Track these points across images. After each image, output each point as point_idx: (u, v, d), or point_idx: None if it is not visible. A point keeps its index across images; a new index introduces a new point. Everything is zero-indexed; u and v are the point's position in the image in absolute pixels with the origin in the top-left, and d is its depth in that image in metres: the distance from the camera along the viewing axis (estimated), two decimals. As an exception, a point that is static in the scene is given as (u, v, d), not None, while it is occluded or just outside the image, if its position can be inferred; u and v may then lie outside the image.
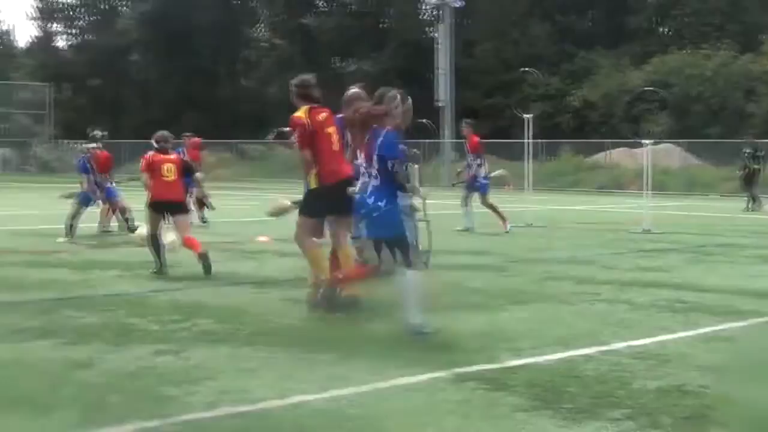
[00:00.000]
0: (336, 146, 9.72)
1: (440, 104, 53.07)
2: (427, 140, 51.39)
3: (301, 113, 9.68)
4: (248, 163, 60.04)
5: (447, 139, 51.67)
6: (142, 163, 12.95)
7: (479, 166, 19.39)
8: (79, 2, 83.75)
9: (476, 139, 19.54)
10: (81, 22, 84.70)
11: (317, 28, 70.11)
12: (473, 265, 13.68)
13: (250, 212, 25.53)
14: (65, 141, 67.35)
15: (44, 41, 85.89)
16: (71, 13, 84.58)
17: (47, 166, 64.69)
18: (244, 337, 8.07)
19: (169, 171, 12.74)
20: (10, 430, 5.45)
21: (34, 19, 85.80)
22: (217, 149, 60.43)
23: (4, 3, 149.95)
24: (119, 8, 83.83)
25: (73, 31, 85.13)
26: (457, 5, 54.68)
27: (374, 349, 7.62)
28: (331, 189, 9.48)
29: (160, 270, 12.34)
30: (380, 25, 72.30)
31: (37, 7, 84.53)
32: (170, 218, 12.91)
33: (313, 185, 9.58)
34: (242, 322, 8.79)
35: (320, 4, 75.47)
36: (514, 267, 13.54)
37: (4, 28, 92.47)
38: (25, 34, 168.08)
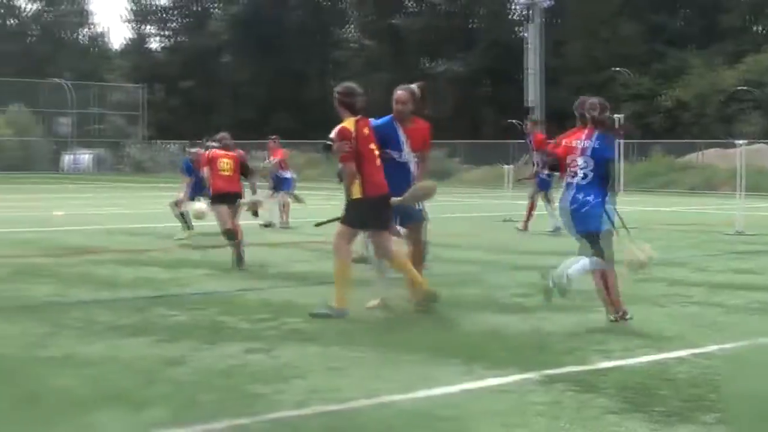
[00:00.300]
0: (378, 160, 9.58)
1: (529, 104, 52.81)
2: (516, 140, 51.24)
3: (349, 125, 9.50)
4: (337, 163, 60.23)
5: (536, 139, 51.39)
6: (202, 158, 14.16)
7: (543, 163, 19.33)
8: (172, 5, 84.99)
9: (541, 136, 19.50)
10: (174, 24, 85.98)
11: (406, 29, 70.20)
12: (562, 266, 13.56)
13: (334, 212, 25.64)
14: (158, 141, 68.29)
15: (138, 43, 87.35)
16: (164, 15, 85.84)
17: (140, 166, 65.69)
18: (333, 336, 8.10)
19: (227, 166, 13.70)
20: (105, 425, 5.53)
21: (128, 21, 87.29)
22: (306, 149, 60.75)
23: (99, 6, 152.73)
24: (211, 10, 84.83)
25: (166, 33, 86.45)
26: (547, 5, 54.32)
27: (463, 349, 7.60)
28: (373, 202, 9.42)
29: (240, 262, 12.92)
30: (469, 25, 72.18)
31: (132, 9, 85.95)
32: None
33: (357, 195, 9.43)
34: (331, 321, 8.82)
35: (410, 4, 75.57)
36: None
37: (99, 30, 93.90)
38: (119, 36, 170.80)
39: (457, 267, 13.31)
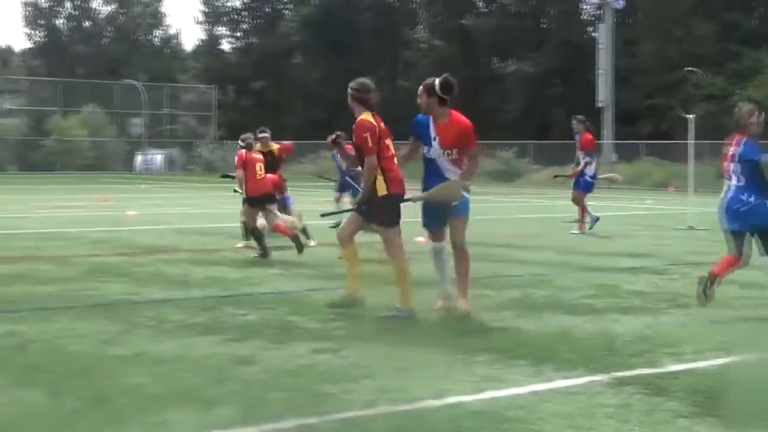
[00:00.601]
0: (394, 157, 9.59)
1: (601, 105, 52.38)
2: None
3: (368, 116, 9.47)
4: (406, 164, 60.23)
5: (607, 140, 50.95)
6: (237, 159, 14.74)
7: (588, 164, 19.12)
8: (243, 6, 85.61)
9: (588, 136, 19.27)
10: (245, 25, 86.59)
11: (476, 29, 70.02)
12: (633, 267, 13.47)
13: (409, 212, 25.65)
14: (229, 142, 68.80)
15: (210, 44, 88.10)
16: (236, 16, 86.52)
17: (211, 166, 66.23)
18: (401, 337, 8.11)
19: (261, 169, 14.55)
20: (176, 423, 5.60)
21: (201, 23, 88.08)
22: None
23: (172, 8, 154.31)
24: (282, 11, 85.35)
25: (238, 34, 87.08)
26: (619, 6, 53.85)
27: (531, 350, 7.58)
28: (397, 198, 9.47)
29: (264, 255, 13.93)
30: (540, 26, 71.80)
31: (204, 11, 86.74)
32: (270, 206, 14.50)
33: (382, 191, 9.39)
34: (399, 321, 8.83)
35: (480, 4, 75.35)
36: (675, 270, 13.28)
37: (172, 32, 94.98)
38: (192, 37, 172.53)
39: (526, 268, 13.26)
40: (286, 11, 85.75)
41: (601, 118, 51.32)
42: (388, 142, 9.52)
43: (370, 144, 9.28)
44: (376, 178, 9.34)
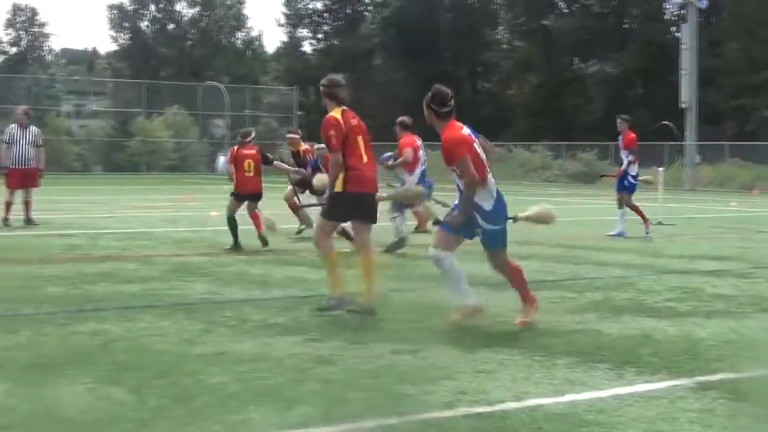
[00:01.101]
0: (365, 156, 9.51)
1: (684, 106, 51.70)
2: (669, 142, 50.29)
3: (336, 113, 9.51)
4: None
5: (691, 141, 50.31)
6: (230, 155, 16.11)
7: (631, 163, 18.85)
8: (325, 8, 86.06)
9: (632, 135, 19.00)
10: (326, 27, 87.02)
11: (558, 30, 69.62)
12: (717, 270, 13.30)
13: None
14: (311, 143, 69.19)
15: (291, 46, 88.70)
16: (317, 18, 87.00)
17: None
18: (481, 338, 8.11)
19: (249, 166, 15.61)
20: (257, 422, 5.65)
21: (282, 25, 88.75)
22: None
23: (254, 10, 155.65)
24: (363, 13, 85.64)
25: (319, 36, 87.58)
26: (703, 6, 53.11)
27: (612, 353, 7.52)
28: (355, 198, 9.39)
29: (235, 246, 15.22)
30: (622, 26, 71.14)
31: (286, 13, 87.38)
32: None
33: (338, 189, 9.39)
34: (479, 322, 8.83)
35: (561, 5, 74.91)
36: (760, 273, 13.08)
37: (254, 34, 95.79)
38: (273, 39, 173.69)
39: (608, 270, 13.16)
40: (367, 13, 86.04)
41: (685, 119, 50.63)
42: (359, 139, 9.51)
43: (335, 141, 9.38)
44: (338, 175, 9.39)
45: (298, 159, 17.38)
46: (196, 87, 75.61)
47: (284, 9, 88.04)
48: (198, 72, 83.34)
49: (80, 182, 47.83)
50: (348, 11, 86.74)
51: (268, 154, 16.26)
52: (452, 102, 8.83)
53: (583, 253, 15.18)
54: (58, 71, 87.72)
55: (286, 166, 17.22)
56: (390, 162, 16.12)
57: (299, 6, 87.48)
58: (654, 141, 48.86)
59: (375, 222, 9.72)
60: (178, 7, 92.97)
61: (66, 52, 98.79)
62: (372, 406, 5.96)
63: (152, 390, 6.28)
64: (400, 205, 14.62)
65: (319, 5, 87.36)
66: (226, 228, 15.53)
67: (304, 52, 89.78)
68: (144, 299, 10.16)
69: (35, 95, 67.46)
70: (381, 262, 13.20)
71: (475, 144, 8.81)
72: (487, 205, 8.63)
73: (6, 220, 19.04)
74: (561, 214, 17.78)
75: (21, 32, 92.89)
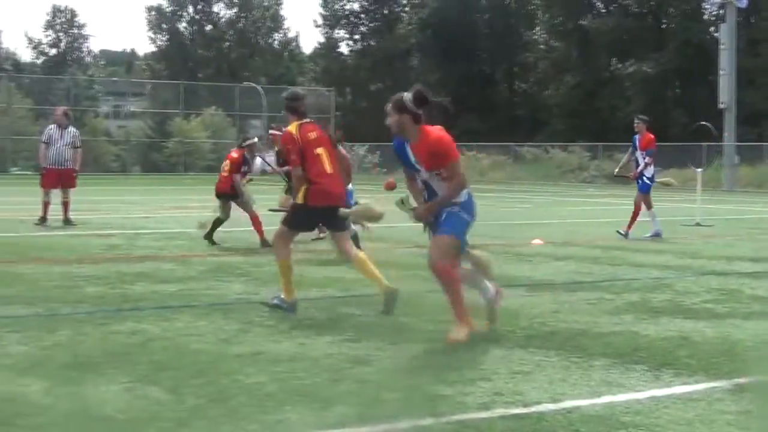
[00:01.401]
0: (328, 167, 9.57)
1: (722, 106, 51.33)
2: (708, 143, 49.88)
3: (292, 128, 9.74)
4: (523, 166, 60.02)
5: (729, 142, 49.95)
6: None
7: (647, 164, 18.65)
8: (362, 9, 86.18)
9: (651, 136, 18.81)
10: (363, 28, 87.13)
11: (595, 30, 69.29)
12: (756, 272, 13.20)
13: (523, 215, 25.55)
14: (346, 143, 69.32)
15: (328, 47, 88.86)
16: (354, 19, 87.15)
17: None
18: (518, 340, 8.09)
19: (225, 167, 16.69)
20: (294, 421, 5.66)
21: (319, 26, 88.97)
22: (492, 152, 60.73)
23: (291, 11, 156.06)
24: (400, 14, 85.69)
25: (356, 37, 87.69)
26: (742, 5, 52.68)
27: (650, 355, 7.48)
28: (316, 211, 9.51)
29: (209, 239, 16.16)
30: (660, 26, 70.75)
31: (323, 14, 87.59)
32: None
33: (300, 201, 9.53)
34: (516, 324, 8.81)
35: (599, 5, 74.58)
36: (800, 275, 12.98)
37: (291, 35, 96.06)
38: (310, 40, 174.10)
39: (645, 271, 13.09)
40: (404, 14, 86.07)
41: (723, 120, 50.25)
42: (320, 151, 9.60)
43: (293, 156, 9.63)
44: (300, 187, 9.54)
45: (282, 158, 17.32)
46: (234, 88, 75.85)
47: (321, 10, 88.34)
48: (235, 73, 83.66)
49: (118, 183, 48.15)
50: (385, 12, 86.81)
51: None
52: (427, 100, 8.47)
53: (620, 255, 15.11)
54: (96, 72, 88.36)
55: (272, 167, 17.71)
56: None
57: (336, 7, 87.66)
58: (692, 142, 48.59)
59: (344, 229, 9.92)
60: (215, 8, 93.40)
61: (105, 54, 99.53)
62: (408, 406, 5.97)
63: (189, 389, 6.31)
64: None
65: (356, 6, 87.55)
66: (264, 227, 15.63)
67: (341, 53, 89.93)
68: (181, 299, 10.22)
69: (74, 96, 67.94)
70: (413, 263, 13.20)
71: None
72: (462, 197, 8.38)
73: (44, 219, 19.20)
74: (598, 215, 17.77)
75: (60, 34, 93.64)
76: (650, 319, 9.25)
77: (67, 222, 19.38)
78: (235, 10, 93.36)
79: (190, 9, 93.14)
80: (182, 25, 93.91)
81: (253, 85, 76.34)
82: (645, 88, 64.40)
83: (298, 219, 9.68)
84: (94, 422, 5.67)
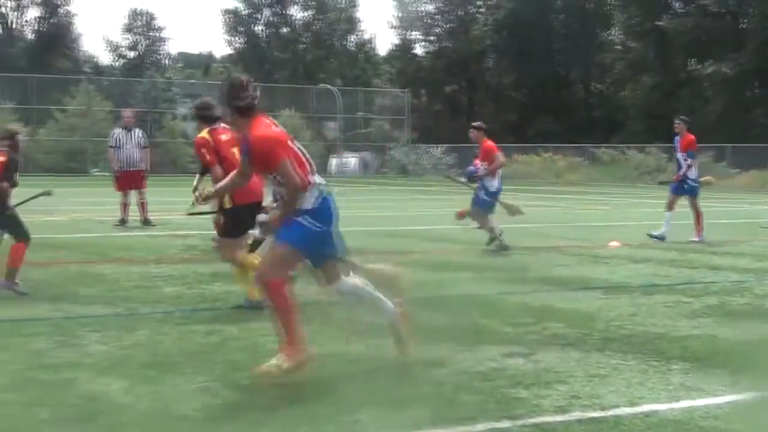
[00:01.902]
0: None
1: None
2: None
3: (203, 134, 10.01)
4: (599, 168, 59.52)
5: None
6: None
7: (690, 166, 18.08)
8: (437, 10, 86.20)
9: (691, 137, 18.18)
10: (438, 29, 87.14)
11: (673, 30, 68.52)
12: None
13: (600, 217, 25.34)
14: (422, 145, 69.28)
15: (403, 49, 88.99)
16: (430, 21, 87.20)
17: (404, 169, 66.81)
18: (595, 343, 8.03)
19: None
20: (369, 422, 5.67)
21: (394, 27, 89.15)
22: (568, 153, 60.34)
23: (366, 13, 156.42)
24: (475, 15, 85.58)
25: (431, 38, 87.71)
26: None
27: (729, 359, 7.39)
28: (244, 209, 9.55)
29: None
30: (740, 26, 69.77)
31: (399, 16, 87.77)
32: None
33: (228, 205, 9.65)
34: (593, 327, 8.75)
35: (676, 5, 73.73)
36: None
37: (366, 37, 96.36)
38: (385, 42, 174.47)
39: (724, 274, 12.92)
40: (479, 15, 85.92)
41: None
42: (235, 150, 9.61)
43: (208, 158, 9.87)
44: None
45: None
46: (309, 90, 76.28)
47: (396, 11, 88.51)
48: (311, 75, 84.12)
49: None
50: (460, 13, 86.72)
51: None
52: (254, 92, 7.07)
53: (698, 257, 14.93)
54: (174, 75, 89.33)
55: None
56: (481, 172, 15.90)
57: (411, 9, 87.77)
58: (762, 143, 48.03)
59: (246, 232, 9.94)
60: (291, 11, 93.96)
61: (182, 56, 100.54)
62: (483, 409, 5.95)
63: (265, 390, 6.36)
64: None
65: (430, 7, 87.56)
66: (341, 229, 15.65)
67: (416, 55, 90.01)
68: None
69: (153, 99, 68.75)
70: (491, 264, 13.18)
71: (290, 141, 7.19)
72: (308, 204, 7.00)
73: (123, 221, 19.47)
74: (676, 218, 17.59)
75: (139, 37, 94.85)
76: (729, 322, 9.13)
77: (145, 222, 19.63)
78: (310, 12, 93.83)
79: (266, 12, 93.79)
80: (258, 28, 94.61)
81: (329, 87, 76.70)
82: (724, 89, 63.56)
83: (235, 223, 9.78)
84: (172, 421, 5.74)
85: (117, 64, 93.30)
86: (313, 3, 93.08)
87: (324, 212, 7.04)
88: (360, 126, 78.82)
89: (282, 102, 72.18)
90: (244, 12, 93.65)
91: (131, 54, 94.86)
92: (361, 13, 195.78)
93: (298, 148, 7.21)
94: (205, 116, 10.26)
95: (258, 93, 7.08)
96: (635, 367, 7.13)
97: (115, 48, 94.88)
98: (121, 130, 20.27)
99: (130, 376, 6.69)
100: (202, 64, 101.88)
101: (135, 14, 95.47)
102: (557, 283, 11.82)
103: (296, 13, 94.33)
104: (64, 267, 12.80)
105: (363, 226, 20.42)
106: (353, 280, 7.30)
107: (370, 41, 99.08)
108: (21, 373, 6.52)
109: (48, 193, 11.51)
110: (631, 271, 13.14)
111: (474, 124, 16.38)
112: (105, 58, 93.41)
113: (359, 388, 6.45)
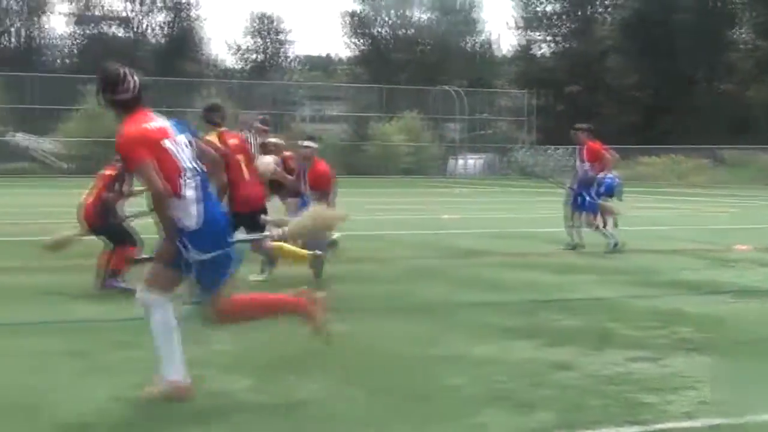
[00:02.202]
0: (246, 174, 10.04)
1: None
2: None
3: (212, 136, 10.05)
4: (725, 169, 58.32)
5: None
6: None
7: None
8: (561, 10, 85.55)
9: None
10: (561, 29, 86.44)
11: (803, 28, 66.83)
12: None
13: (727, 219, 24.86)
14: (545, 147, 68.82)
15: (525, 50, 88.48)
16: (552, 21, 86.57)
17: (524, 170, 66.48)
18: (724, 348, 7.88)
19: None
20: (494, 424, 5.67)
21: (517, 28, 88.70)
22: (693, 155, 59.23)
23: (488, 14, 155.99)
24: (597, 15, 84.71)
25: (555, 38, 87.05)
26: None
27: None
28: (243, 217, 9.72)
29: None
30: None
31: (522, 16, 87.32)
32: None
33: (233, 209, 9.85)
34: (722, 331, 8.60)
35: (806, 3, 71.86)
36: None
37: (487, 38, 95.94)
38: (506, 43, 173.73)
39: None
40: (602, 15, 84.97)
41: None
42: (240, 157, 10.04)
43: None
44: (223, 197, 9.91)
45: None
46: (430, 91, 76.41)
47: (518, 12, 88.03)
48: (432, 76, 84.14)
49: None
50: (583, 13, 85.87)
51: None
52: (131, 84, 6.14)
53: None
54: (298, 77, 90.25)
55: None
56: (597, 173, 15.81)
57: (534, 9, 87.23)
58: None
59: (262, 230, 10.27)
60: (414, 12, 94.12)
61: (305, 59, 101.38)
62: (609, 413, 5.89)
63: (389, 390, 6.39)
64: None
65: (552, 8, 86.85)
66: (461, 231, 15.69)
67: (539, 55, 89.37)
68: (381, 301, 10.36)
69: (279, 101, 69.66)
70: (617, 267, 13.05)
71: (168, 141, 6.09)
72: (190, 221, 6.03)
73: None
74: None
75: (263, 40, 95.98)
76: None
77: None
78: (431, 14, 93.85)
79: (387, 13, 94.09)
80: (381, 30, 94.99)
81: (451, 88, 76.72)
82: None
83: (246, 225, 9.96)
84: (297, 420, 5.80)
85: (237, 66, 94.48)
86: (434, 5, 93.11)
87: (211, 231, 6.06)
88: (481, 127, 78.68)
89: (404, 104, 72.51)
90: (365, 14, 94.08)
91: (255, 57, 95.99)
92: (482, 14, 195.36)
93: (182, 151, 6.13)
94: (207, 119, 10.47)
95: (138, 85, 6.15)
96: (766, 373, 6.99)
97: (239, 51, 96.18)
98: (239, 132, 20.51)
99: (255, 374, 6.79)
100: (324, 66, 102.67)
101: (260, 18, 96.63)
102: (685, 287, 11.64)
103: (418, 14, 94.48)
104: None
105: (488, 228, 20.42)
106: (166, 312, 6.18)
107: (492, 42, 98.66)
108: (148, 372, 6.66)
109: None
110: (761, 275, 12.88)
111: (578, 125, 16.31)
112: (229, 61, 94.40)
113: (483, 389, 6.44)
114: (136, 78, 6.13)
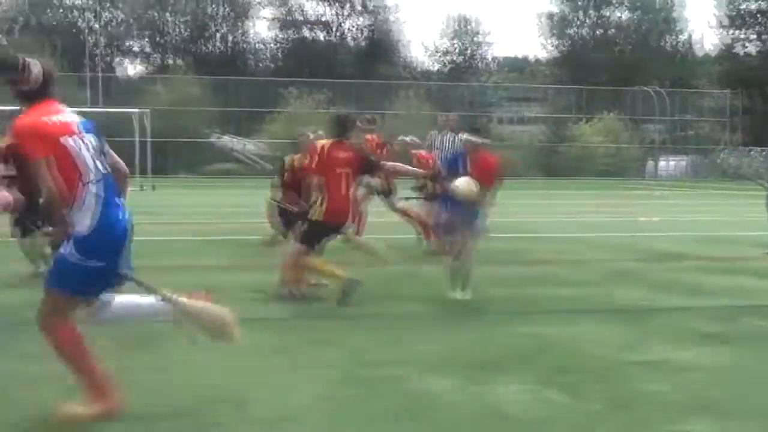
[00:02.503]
0: (344, 188, 10.10)
1: None
2: None
3: (321, 142, 10.49)
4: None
5: None
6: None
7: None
8: (766, 8, 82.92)
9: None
10: (767, 28, 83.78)
11: None
12: None
13: None
14: (748, 148, 66.76)
15: (729, 48, 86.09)
16: (758, 19, 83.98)
17: (726, 172, 64.65)
18: None
19: None
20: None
21: (721, 27, 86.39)
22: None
23: (688, 13, 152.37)
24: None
25: (761, 37, 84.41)
26: None
27: None
28: (329, 227, 10.14)
29: None
30: None
31: (727, 14, 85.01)
32: None
33: (317, 217, 10.06)
34: None
35: None
36: None
37: (688, 36, 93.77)
38: (708, 42, 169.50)
39: None
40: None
41: None
42: (340, 171, 10.11)
43: (314, 165, 10.31)
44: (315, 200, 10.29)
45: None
46: (629, 92, 75.20)
47: (720, 10, 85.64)
48: (631, 77, 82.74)
49: (517, 186, 48.93)
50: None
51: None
52: (32, 75, 5.66)
53: None
54: (496, 79, 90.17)
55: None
56: None
57: (738, 7, 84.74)
58: None
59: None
60: (614, 12, 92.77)
61: (504, 60, 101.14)
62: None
63: (590, 394, 6.37)
64: None
65: (756, 5, 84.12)
66: (659, 233, 15.40)
67: (743, 54, 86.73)
68: (579, 303, 10.30)
69: (476, 103, 69.79)
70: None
71: (69, 138, 5.59)
72: (82, 226, 5.57)
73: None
74: None
75: (463, 41, 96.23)
76: None
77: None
78: (631, 13, 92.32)
79: (585, 14, 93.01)
80: (579, 30, 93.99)
81: (654, 88, 75.35)
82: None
83: (315, 237, 10.24)
84: (498, 421, 5.84)
85: (435, 68, 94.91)
86: (634, 4, 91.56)
87: (103, 239, 5.60)
88: (682, 128, 76.95)
89: (602, 104, 71.58)
90: (563, 15, 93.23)
91: (454, 59, 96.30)
92: (680, 14, 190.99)
93: (87, 151, 5.65)
94: (336, 128, 10.50)
95: (42, 77, 5.66)
96: None
97: (436, 52, 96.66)
98: (437, 133, 20.58)
99: (457, 375, 6.84)
100: (521, 67, 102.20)
101: (457, 20, 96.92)
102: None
103: (618, 14, 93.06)
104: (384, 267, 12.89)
105: (688, 231, 20.00)
106: (117, 299, 5.91)
107: (693, 41, 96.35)
108: (348, 370, 6.80)
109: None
110: None
111: None
112: (426, 63, 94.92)
113: (687, 396, 6.34)
114: (38, 69, 5.64)
